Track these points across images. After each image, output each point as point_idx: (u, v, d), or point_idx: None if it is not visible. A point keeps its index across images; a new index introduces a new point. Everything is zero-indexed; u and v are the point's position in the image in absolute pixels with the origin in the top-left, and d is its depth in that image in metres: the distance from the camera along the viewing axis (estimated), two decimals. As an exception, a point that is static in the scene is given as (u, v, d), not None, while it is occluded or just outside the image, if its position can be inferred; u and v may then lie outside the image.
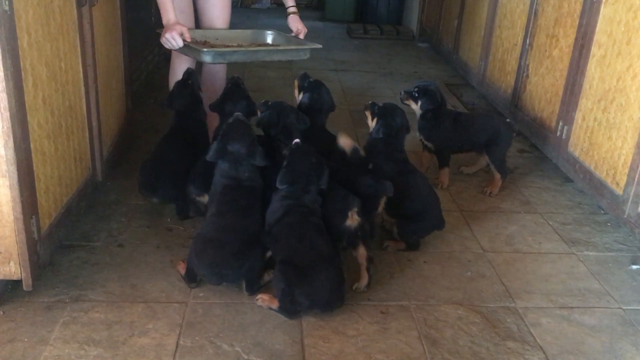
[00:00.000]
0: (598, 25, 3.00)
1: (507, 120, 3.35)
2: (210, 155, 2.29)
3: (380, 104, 2.69)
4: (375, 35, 6.96)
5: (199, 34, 3.03)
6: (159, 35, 2.78)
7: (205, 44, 2.92)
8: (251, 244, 2.18)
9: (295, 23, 3.14)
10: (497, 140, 3.07)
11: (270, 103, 2.62)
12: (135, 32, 3.48)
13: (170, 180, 2.59)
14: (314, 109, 2.79)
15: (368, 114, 2.73)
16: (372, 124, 2.68)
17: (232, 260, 2.14)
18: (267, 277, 2.25)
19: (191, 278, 2.22)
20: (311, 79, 2.90)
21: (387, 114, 2.63)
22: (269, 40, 3.21)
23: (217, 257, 2.13)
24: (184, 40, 2.70)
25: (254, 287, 2.20)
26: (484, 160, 3.18)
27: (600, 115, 2.94)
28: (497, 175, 3.10)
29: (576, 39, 3.20)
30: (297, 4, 3.17)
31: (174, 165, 2.62)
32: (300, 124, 2.57)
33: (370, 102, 2.75)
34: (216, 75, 3.26)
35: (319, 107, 2.83)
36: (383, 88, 4.84)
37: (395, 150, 2.61)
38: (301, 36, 3.09)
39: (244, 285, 2.20)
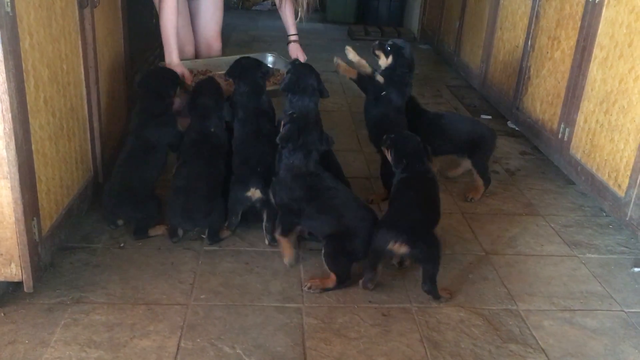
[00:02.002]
0: (600, 27, 3.00)
1: (490, 127, 3.31)
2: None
3: (390, 42, 2.88)
4: (376, 36, 6.94)
5: (200, 64, 3.17)
6: (160, 38, 2.84)
7: (206, 72, 3.07)
8: (216, 192, 2.47)
9: (296, 51, 3.23)
10: (480, 145, 3.01)
11: (295, 115, 2.42)
12: (136, 34, 3.49)
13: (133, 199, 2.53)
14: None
15: (380, 52, 2.88)
16: (386, 61, 2.86)
17: (201, 204, 2.41)
18: (226, 233, 2.54)
19: (171, 232, 2.47)
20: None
21: (400, 48, 2.84)
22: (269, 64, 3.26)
23: (187, 201, 2.41)
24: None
25: (216, 238, 2.50)
26: (467, 163, 3.09)
27: (602, 117, 2.94)
28: (480, 182, 3.02)
29: (578, 41, 3.20)
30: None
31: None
32: (322, 144, 2.34)
33: (377, 42, 2.93)
34: None
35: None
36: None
37: (407, 84, 2.82)
38: None
39: (206, 233, 2.48)
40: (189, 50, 3.30)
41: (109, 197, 2.51)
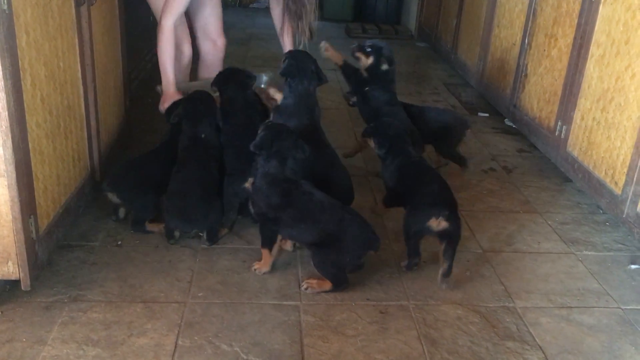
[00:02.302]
0: (597, 24, 3.00)
1: (462, 116, 3.46)
2: (172, 118, 2.57)
3: (368, 42, 2.91)
4: (373, 34, 6.94)
5: (196, 85, 3.16)
6: (155, 37, 2.88)
7: None
8: (213, 194, 2.48)
9: None
10: (446, 133, 3.13)
11: (270, 123, 2.47)
12: (133, 32, 3.48)
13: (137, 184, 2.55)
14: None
15: (360, 54, 2.90)
16: (367, 61, 2.88)
17: (197, 205, 2.42)
18: (223, 231, 2.55)
19: (168, 234, 2.48)
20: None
21: (380, 48, 2.88)
22: (263, 84, 3.27)
23: (184, 203, 2.42)
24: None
25: (215, 238, 2.51)
26: (440, 158, 3.30)
27: (599, 114, 2.94)
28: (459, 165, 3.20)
29: (575, 38, 3.20)
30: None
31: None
32: (298, 151, 2.30)
33: (356, 44, 2.95)
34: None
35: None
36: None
37: (391, 80, 2.86)
38: None
39: (205, 234, 2.49)
40: (187, 49, 3.28)
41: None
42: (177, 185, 2.45)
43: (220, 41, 3.40)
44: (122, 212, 2.60)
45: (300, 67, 2.61)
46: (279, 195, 2.23)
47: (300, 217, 2.23)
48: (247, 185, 2.45)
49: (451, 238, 2.28)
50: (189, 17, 3.32)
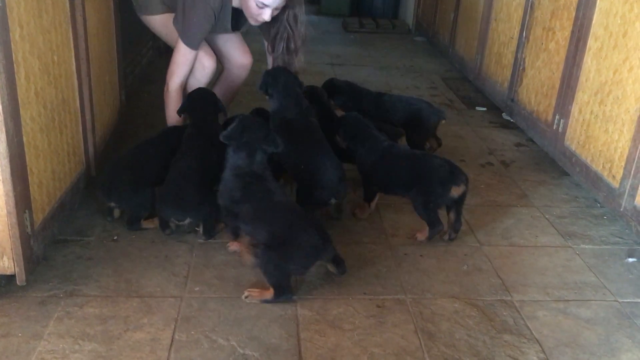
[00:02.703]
0: (594, 17, 2.99)
1: (437, 107, 3.45)
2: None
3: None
4: (371, 29, 6.94)
5: None
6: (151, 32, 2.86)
7: None
8: (210, 185, 2.42)
9: None
10: (417, 123, 3.14)
11: (242, 115, 2.48)
12: (129, 25, 3.46)
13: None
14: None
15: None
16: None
17: (192, 193, 2.37)
18: (220, 226, 2.49)
19: (162, 224, 2.46)
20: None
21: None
22: None
23: (177, 190, 2.38)
24: None
25: (212, 232, 2.47)
26: (434, 142, 3.34)
27: (596, 108, 2.93)
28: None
29: (572, 31, 3.19)
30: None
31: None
32: (269, 145, 2.30)
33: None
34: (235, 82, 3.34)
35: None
36: (379, 82, 4.82)
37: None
38: None
39: (201, 229, 2.46)
40: (209, 64, 2.99)
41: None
42: (175, 173, 2.42)
43: (247, 61, 3.25)
44: (116, 212, 2.57)
45: (280, 81, 2.68)
46: (240, 189, 2.21)
47: (253, 214, 2.17)
48: None
49: (463, 199, 2.50)
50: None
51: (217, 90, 3.13)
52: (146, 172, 2.52)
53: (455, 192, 2.45)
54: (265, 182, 2.23)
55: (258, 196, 2.20)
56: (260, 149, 2.26)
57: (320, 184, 2.49)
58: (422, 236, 2.57)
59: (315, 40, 6.14)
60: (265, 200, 2.20)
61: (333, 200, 2.55)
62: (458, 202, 2.50)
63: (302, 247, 2.09)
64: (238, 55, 3.24)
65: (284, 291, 2.11)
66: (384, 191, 2.70)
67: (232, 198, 2.23)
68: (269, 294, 2.11)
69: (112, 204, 2.53)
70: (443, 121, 3.29)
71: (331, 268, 2.24)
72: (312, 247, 2.10)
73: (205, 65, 2.98)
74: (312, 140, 2.59)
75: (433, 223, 2.50)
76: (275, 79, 2.71)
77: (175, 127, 2.84)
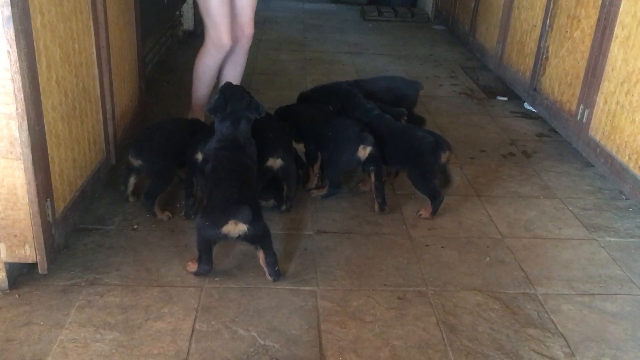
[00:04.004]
0: (622, 5, 2.91)
1: (413, 79, 3.44)
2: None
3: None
4: (389, 17, 6.86)
5: None
6: (172, 19, 2.81)
7: None
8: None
9: None
10: (399, 100, 3.12)
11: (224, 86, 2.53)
12: (148, 13, 3.44)
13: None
14: None
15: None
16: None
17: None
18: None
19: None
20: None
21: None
22: None
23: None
24: None
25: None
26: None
27: (622, 98, 2.87)
28: None
29: (599, 19, 3.12)
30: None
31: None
32: (252, 112, 2.40)
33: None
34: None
35: None
36: (398, 71, 4.77)
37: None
38: None
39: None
40: (225, 41, 3.12)
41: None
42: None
43: (249, 31, 3.31)
44: (131, 183, 2.57)
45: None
46: (213, 150, 2.31)
47: (210, 172, 2.26)
48: (270, 164, 2.51)
49: (448, 162, 2.66)
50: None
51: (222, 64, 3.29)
52: (175, 144, 2.56)
53: (444, 158, 2.60)
54: (236, 152, 2.30)
55: (222, 158, 2.27)
56: (245, 117, 2.38)
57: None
58: (426, 213, 2.63)
59: (333, 29, 6.09)
60: (221, 162, 2.26)
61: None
62: (443, 166, 2.64)
63: (215, 202, 2.13)
64: (245, 24, 3.30)
65: (202, 261, 2.13)
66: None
67: (205, 158, 2.35)
68: (193, 266, 2.17)
69: (139, 162, 2.52)
70: (420, 91, 3.30)
71: (262, 261, 2.15)
72: (223, 199, 2.10)
73: (223, 41, 3.12)
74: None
75: (434, 195, 2.59)
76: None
77: (204, 123, 2.86)
